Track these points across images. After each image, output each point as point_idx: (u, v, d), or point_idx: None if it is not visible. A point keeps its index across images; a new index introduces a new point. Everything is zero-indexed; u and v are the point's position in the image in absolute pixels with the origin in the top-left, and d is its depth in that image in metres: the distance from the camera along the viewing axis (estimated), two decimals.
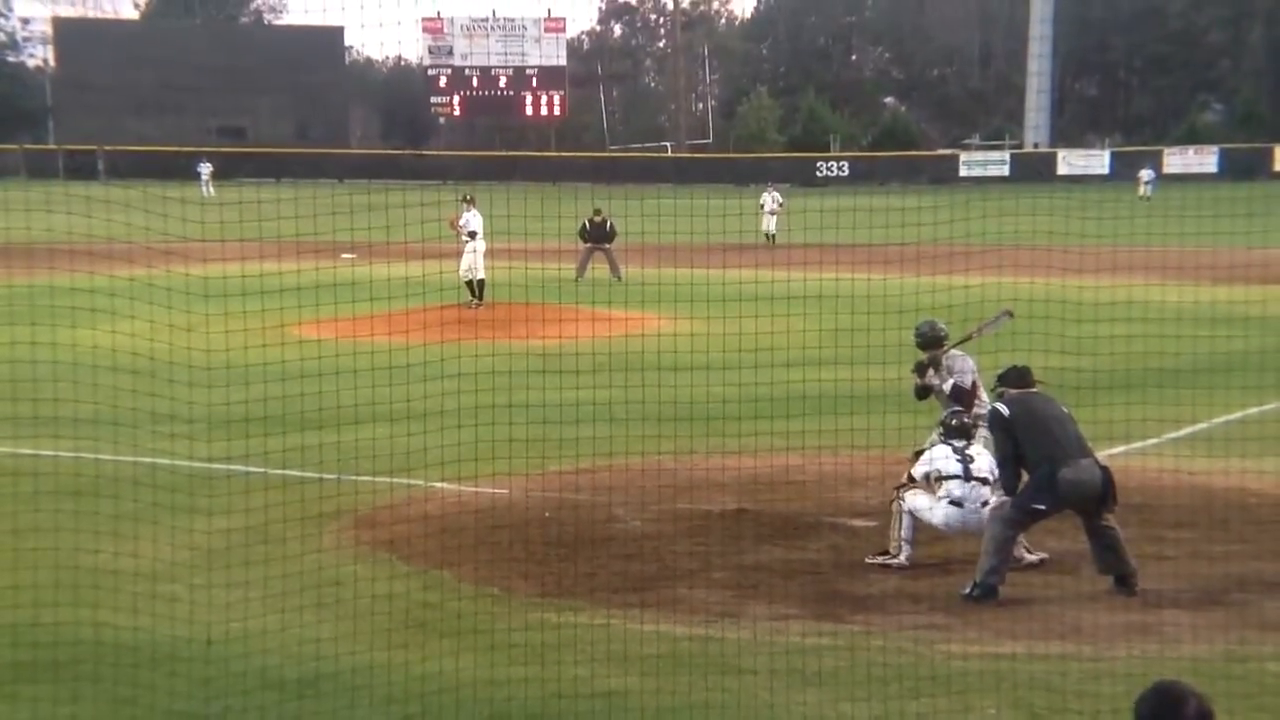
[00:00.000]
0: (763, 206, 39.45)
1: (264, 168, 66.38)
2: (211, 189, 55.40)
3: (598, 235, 30.16)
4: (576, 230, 30.15)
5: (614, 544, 9.79)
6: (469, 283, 24.42)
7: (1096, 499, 8.48)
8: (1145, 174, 55.53)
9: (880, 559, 9.36)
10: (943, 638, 7.90)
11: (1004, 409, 8.83)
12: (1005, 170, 69.84)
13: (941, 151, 75.41)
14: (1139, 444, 11.88)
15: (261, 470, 11.22)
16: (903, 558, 9.29)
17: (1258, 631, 7.97)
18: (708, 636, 7.89)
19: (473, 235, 24.34)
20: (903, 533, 9.33)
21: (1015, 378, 9.14)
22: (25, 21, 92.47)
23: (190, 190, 46.36)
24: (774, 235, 38.09)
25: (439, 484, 10.94)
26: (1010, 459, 8.69)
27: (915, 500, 9.35)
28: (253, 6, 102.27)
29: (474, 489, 11.01)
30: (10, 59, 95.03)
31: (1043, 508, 8.55)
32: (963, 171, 70.22)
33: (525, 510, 10.54)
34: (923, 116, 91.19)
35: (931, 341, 10.31)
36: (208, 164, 60.73)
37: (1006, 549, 8.60)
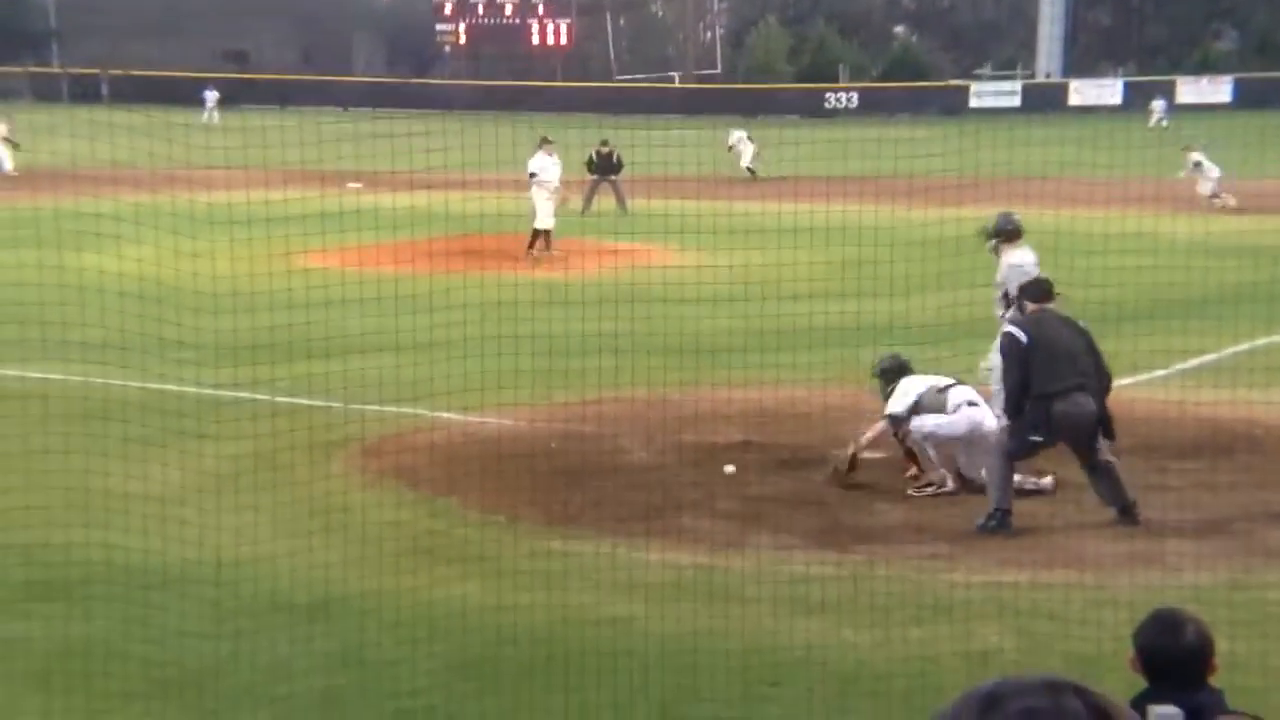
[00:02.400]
0: (731, 148, 37.87)
1: (267, 94, 65.81)
2: (216, 116, 54.94)
3: (604, 167, 29.88)
4: (583, 162, 29.89)
5: (619, 475, 9.86)
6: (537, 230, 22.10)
7: (1090, 434, 8.47)
8: (1157, 104, 54.82)
9: (927, 490, 9.36)
10: (946, 567, 7.98)
11: (1021, 336, 8.65)
12: (1016, 101, 69.03)
13: (951, 82, 74.47)
14: (1146, 375, 11.88)
15: (269, 397, 11.26)
16: (949, 483, 9.31)
17: (1262, 560, 8.05)
18: (712, 565, 7.97)
19: (531, 176, 22.25)
20: (933, 458, 9.33)
21: (1036, 291, 8.96)
22: None
23: (195, 116, 46.03)
24: (754, 170, 36.68)
25: (445, 414, 10.98)
26: (1018, 385, 8.61)
27: (924, 424, 9.34)
28: None
29: (480, 419, 11.05)
30: None
31: (1039, 439, 8.57)
32: (973, 102, 69.40)
33: (531, 441, 10.59)
34: (933, 46, 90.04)
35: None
36: (214, 91, 60.19)
37: (1007, 477, 8.64)
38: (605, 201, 29.66)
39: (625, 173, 29.45)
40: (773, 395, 11.91)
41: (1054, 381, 8.44)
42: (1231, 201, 25.35)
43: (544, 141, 22.51)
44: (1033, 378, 8.50)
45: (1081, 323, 8.86)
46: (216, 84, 62.40)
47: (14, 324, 11.51)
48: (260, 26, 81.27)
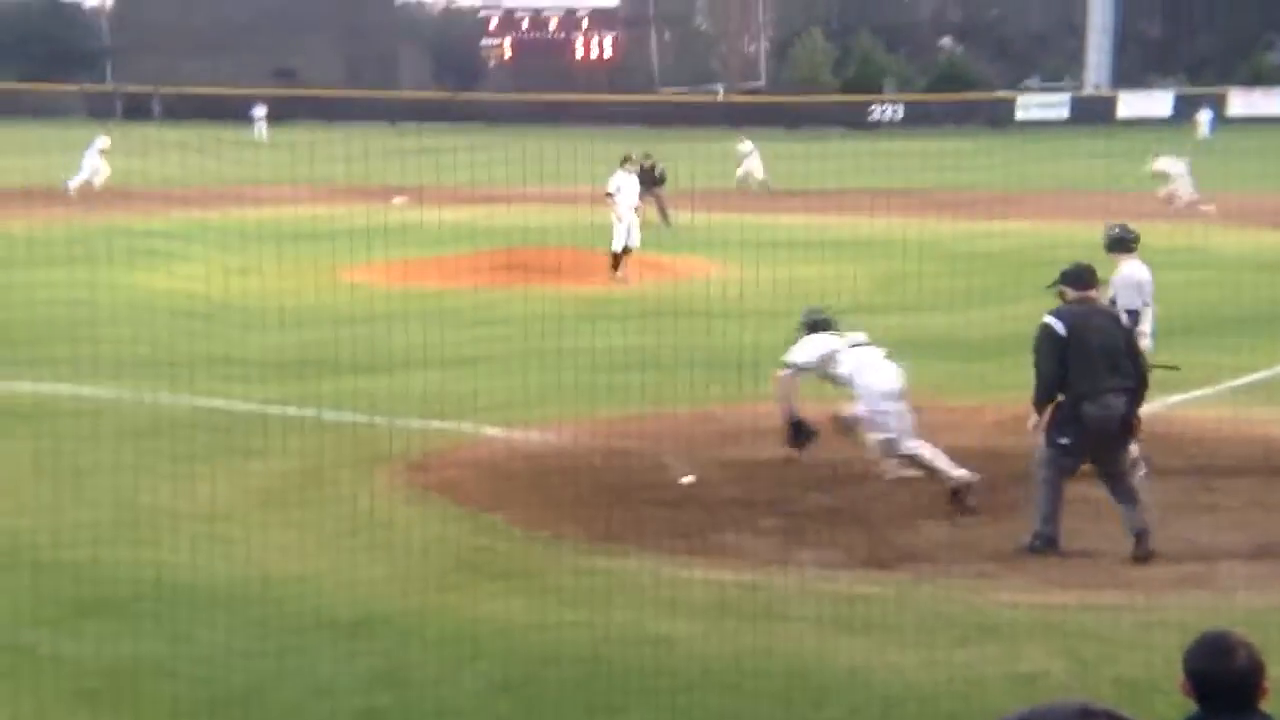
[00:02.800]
0: (741, 164, 35.60)
1: (316, 110, 66.48)
2: (265, 132, 55.53)
3: (647, 180, 29.91)
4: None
5: (662, 490, 9.83)
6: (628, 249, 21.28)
7: (1117, 439, 8.19)
8: (1203, 115, 54.19)
9: (956, 499, 9.22)
10: (991, 586, 7.89)
11: (1060, 328, 8.19)
12: (1064, 113, 68.49)
13: (997, 94, 73.98)
14: (1197, 392, 11.70)
15: (316, 413, 11.35)
16: (960, 474, 9.20)
17: None
18: (755, 584, 7.93)
19: (608, 196, 21.51)
20: (930, 460, 9.31)
21: (1076, 277, 8.43)
22: None
23: (244, 132, 46.59)
24: (764, 180, 34.56)
25: (490, 429, 11.02)
26: (1052, 379, 8.18)
27: (876, 439, 9.31)
28: None
29: (524, 435, 11.08)
30: (67, 0, 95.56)
31: (1066, 442, 8.17)
32: (1019, 115, 68.91)
33: (575, 456, 10.60)
34: (980, 58, 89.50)
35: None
36: (263, 106, 60.83)
37: (1053, 493, 8.34)
38: (649, 214, 29.68)
39: (668, 186, 29.46)
40: (816, 410, 11.85)
41: (1088, 380, 8.09)
42: (1211, 208, 25.18)
43: (625, 160, 22.08)
44: (1068, 374, 8.13)
45: (1123, 318, 8.57)
46: (266, 100, 63.09)
47: (67, 341, 11.70)
48: (308, 43, 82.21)
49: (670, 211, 29.04)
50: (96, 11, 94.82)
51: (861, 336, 10.11)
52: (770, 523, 9.13)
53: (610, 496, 9.61)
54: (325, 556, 8.10)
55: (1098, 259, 9.44)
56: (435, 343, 11.78)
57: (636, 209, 21.60)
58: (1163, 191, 27.50)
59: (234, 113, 60.09)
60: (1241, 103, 64.22)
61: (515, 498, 9.42)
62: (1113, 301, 10.10)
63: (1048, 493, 8.36)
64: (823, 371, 9.95)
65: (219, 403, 11.56)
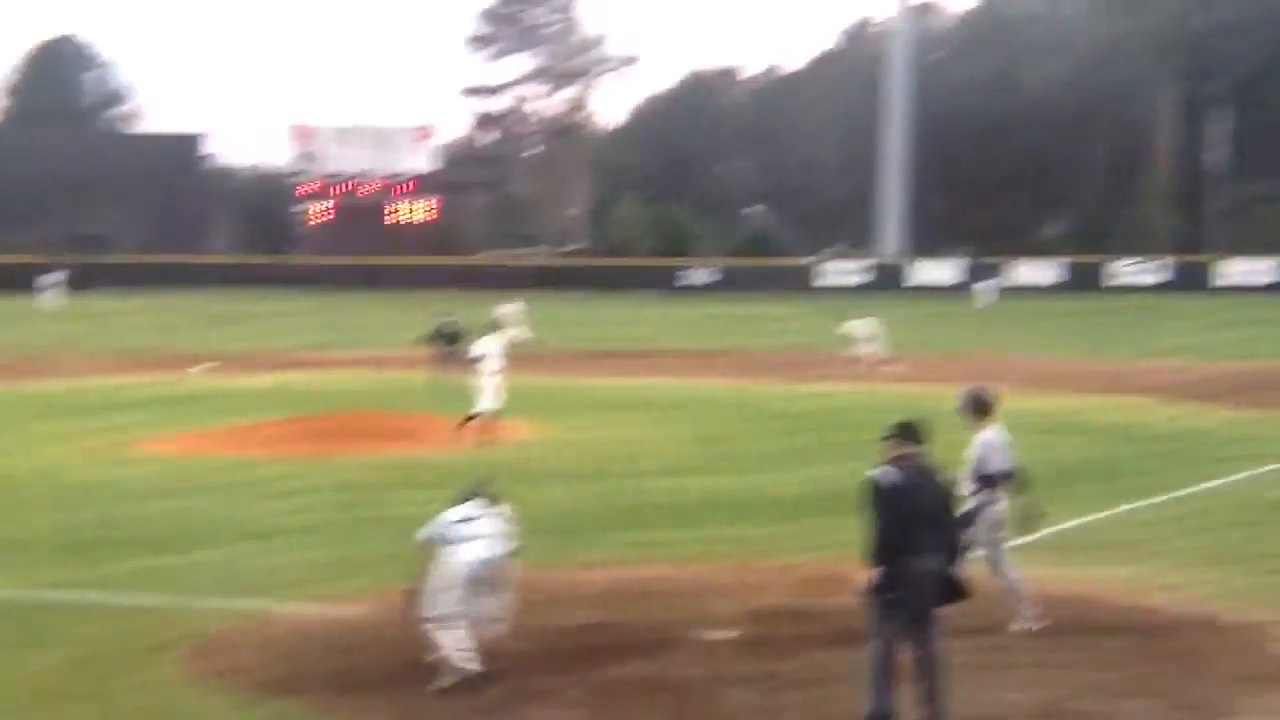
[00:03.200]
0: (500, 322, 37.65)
1: (120, 277, 64.81)
2: (54, 299, 53.44)
3: (448, 340, 30.41)
4: (424, 337, 30.30)
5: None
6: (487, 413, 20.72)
7: (935, 602, 8.15)
8: (985, 285, 57.75)
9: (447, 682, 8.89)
10: None
11: (890, 481, 8.11)
12: (861, 279, 72.01)
13: (800, 260, 77.38)
14: (979, 552, 12.07)
15: (103, 597, 10.75)
16: (465, 666, 8.91)
17: None
18: None
19: (473, 361, 21.10)
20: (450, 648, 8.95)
21: (909, 431, 8.33)
22: None
23: (34, 302, 44.88)
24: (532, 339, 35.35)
25: (290, 605, 10.61)
26: (887, 534, 8.02)
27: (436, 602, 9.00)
28: (108, 114, 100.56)
29: (327, 610, 10.69)
30: None
31: (893, 597, 8.02)
32: (820, 280, 72.12)
33: (380, 631, 10.25)
34: (786, 225, 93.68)
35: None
36: (57, 273, 58.79)
37: (882, 661, 8.13)
38: (453, 376, 29.74)
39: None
40: (628, 575, 11.83)
41: (912, 537, 8.05)
42: (899, 367, 27.42)
43: (495, 325, 22.31)
44: (899, 530, 8.03)
45: (943, 476, 8.48)
46: (67, 268, 61.15)
47: None
48: (115, 211, 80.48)
49: (453, 374, 29.33)
50: None
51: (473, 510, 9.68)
52: (578, 693, 8.97)
53: (412, 674, 9.31)
54: None
55: (889, 419, 9.72)
56: (235, 516, 11.40)
57: (501, 372, 21.41)
58: (850, 353, 29.86)
59: (30, 282, 58.09)
60: (1022, 273, 68.58)
61: (312, 681, 9.02)
62: (978, 467, 10.22)
63: (875, 665, 8.15)
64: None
65: None
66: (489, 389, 20.89)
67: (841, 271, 74.00)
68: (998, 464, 10.37)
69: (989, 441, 10.39)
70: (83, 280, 60.05)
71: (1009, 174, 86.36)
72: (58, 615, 10.19)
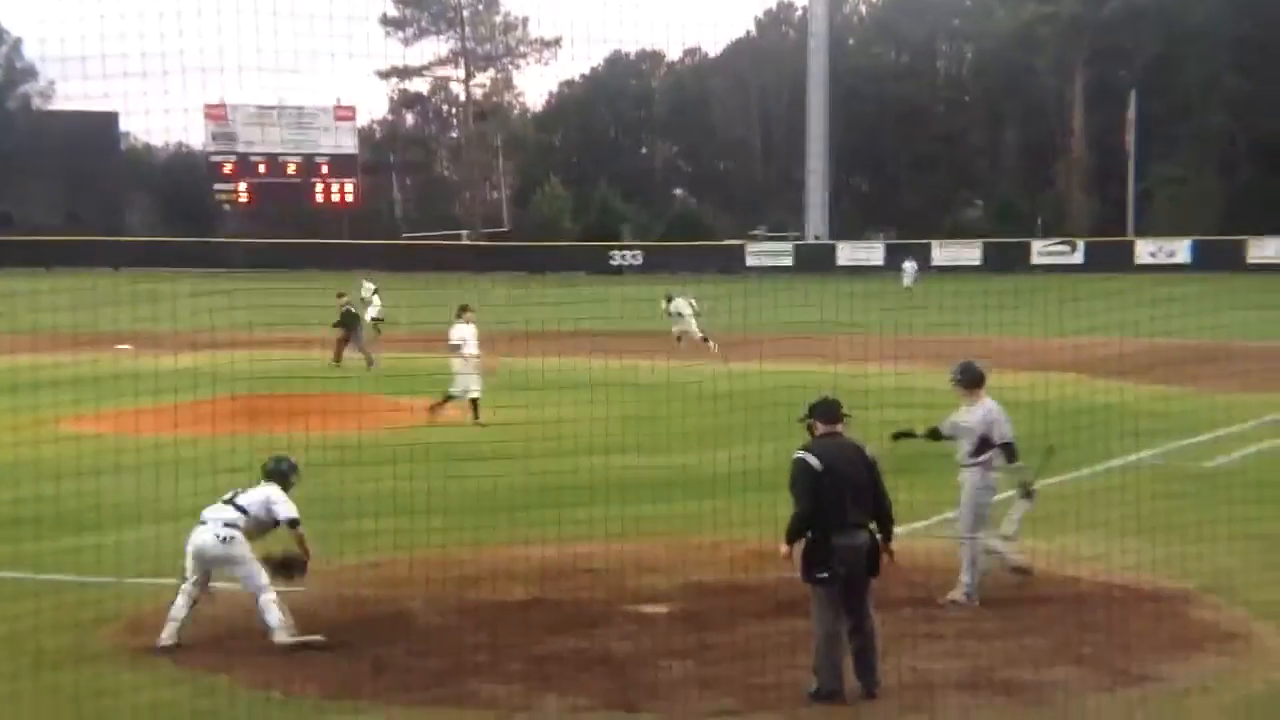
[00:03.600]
0: (364, 298, 37.24)
1: (32, 255, 63.26)
2: None
3: (347, 320, 30.97)
4: (334, 321, 30.39)
5: (404, 639, 9.55)
6: (459, 398, 20.92)
7: (865, 573, 8.33)
8: (908, 265, 58.48)
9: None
10: None
11: (815, 462, 8.31)
12: (790, 260, 72.51)
13: (729, 242, 77.68)
14: (909, 525, 12.25)
15: (30, 575, 10.55)
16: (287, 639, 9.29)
17: (1022, 709, 8.30)
18: None
19: (454, 349, 21.19)
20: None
21: (825, 411, 8.59)
22: None
23: None
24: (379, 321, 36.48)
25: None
26: (809, 514, 8.24)
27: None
28: (20, 91, 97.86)
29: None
30: None
31: (824, 575, 8.23)
32: (750, 261, 72.49)
33: (309, 606, 10.17)
34: (711, 208, 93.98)
35: None
36: None
37: (828, 641, 8.29)
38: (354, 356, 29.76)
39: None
40: (560, 551, 11.85)
41: (836, 513, 8.20)
42: (714, 345, 29.38)
43: (463, 310, 21.60)
44: (819, 508, 8.21)
45: (868, 451, 8.60)
46: None
47: None
48: (25, 189, 78.42)
49: (347, 355, 29.50)
50: None
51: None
52: (515, 667, 8.99)
53: (347, 648, 9.26)
54: None
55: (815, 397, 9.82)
56: (160, 495, 11.19)
57: (478, 358, 21.30)
58: (676, 330, 31.94)
59: None
60: (944, 254, 69.58)
61: (244, 656, 8.94)
62: (983, 439, 10.51)
63: (823, 638, 8.29)
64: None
65: None
66: (468, 373, 20.81)
67: (771, 253, 74.50)
68: (1008, 433, 10.69)
69: (994, 411, 10.73)
70: None
71: (928, 157, 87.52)
72: None
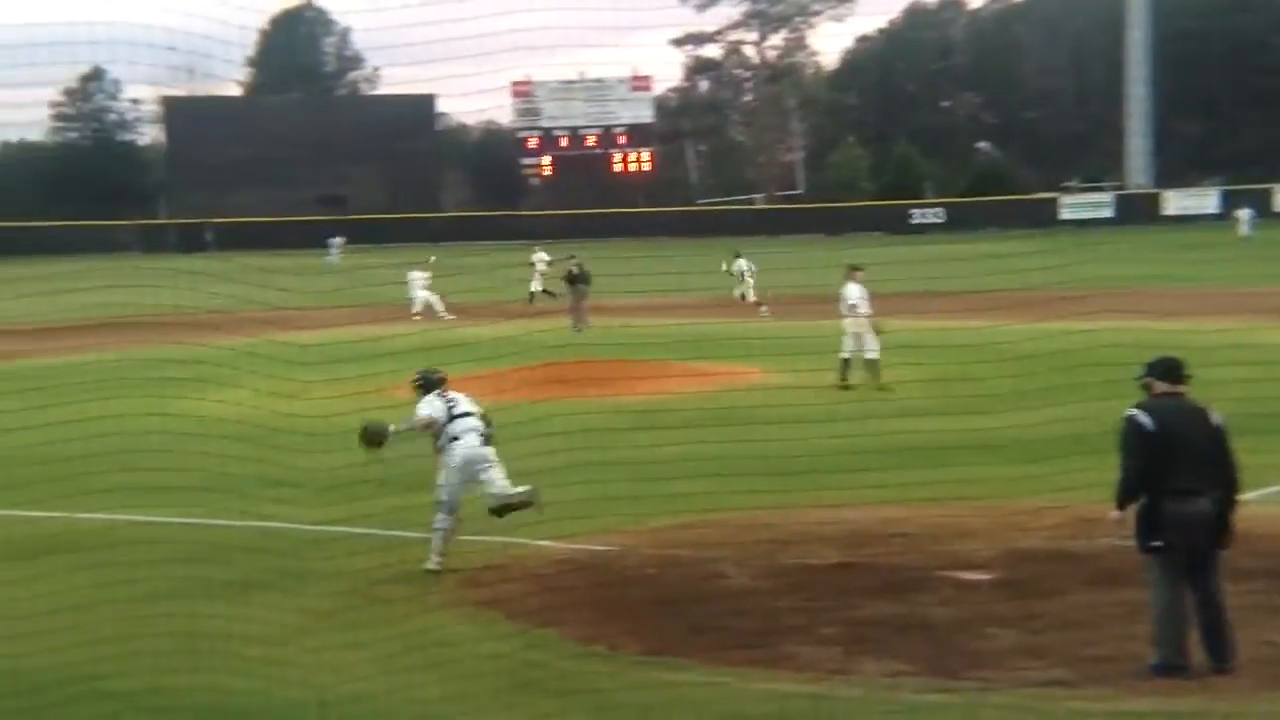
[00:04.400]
0: (533, 265, 36.89)
1: (362, 235, 67.84)
2: (337, 258, 56.77)
3: (579, 280, 31.86)
4: (562, 277, 31.81)
5: (718, 600, 9.68)
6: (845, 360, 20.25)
7: (1207, 542, 7.79)
8: (1244, 214, 54.11)
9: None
10: (1066, 694, 7.64)
11: (1147, 421, 7.80)
12: (1109, 212, 68.68)
13: (1040, 195, 74.27)
14: (1261, 491, 11.39)
15: (368, 532, 11.34)
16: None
17: None
18: (817, 694, 7.74)
19: (851, 309, 20.56)
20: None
21: (1165, 370, 8.04)
22: (135, 102, 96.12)
23: (298, 260, 47.54)
24: (535, 293, 35.87)
25: (542, 542, 10.94)
26: (1137, 477, 7.78)
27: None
28: (348, 78, 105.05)
29: (575, 546, 10.99)
30: (122, 138, 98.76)
31: (1158, 544, 7.77)
32: (1064, 215, 69.18)
33: (627, 567, 10.48)
34: (1019, 160, 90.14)
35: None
36: (339, 237, 62.37)
37: (1168, 613, 7.83)
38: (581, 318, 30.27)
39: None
40: (871, 515, 11.70)
41: (1171, 479, 7.70)
42: (766, 310, 30.30)
43: (854, 270, 20.99)
44: (1152, 471, 7.73)
45: (1214, 416, 7.98)
46: (312, 227, 64.59)
47: (124, 470, 11.79)
48: (354, 172, 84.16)
49: (586, 317, 29.89)
50: (149, 148, 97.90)
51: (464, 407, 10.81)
52: (831, 631, 8.94)
53: (665, 607, 9.48)
54: (381, 677, 8.01)
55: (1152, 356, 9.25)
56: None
57: (869, 318, 20.48)
58: (737, 291, 33.27)
59: (283, 240, 61.51)
60: None
61: (569, 611, 9.30)
62: None
63: (1161, 611, 7.86)
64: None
65: (273, 525, 11.58)
66: (862, 333, 20.26)
67: (1089, 205, 70.74)
68: None
69: None
70: (326, 238, 63.17)
71: (1266, 93, 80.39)
72: (329, 549, 10.80)
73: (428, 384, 11.04)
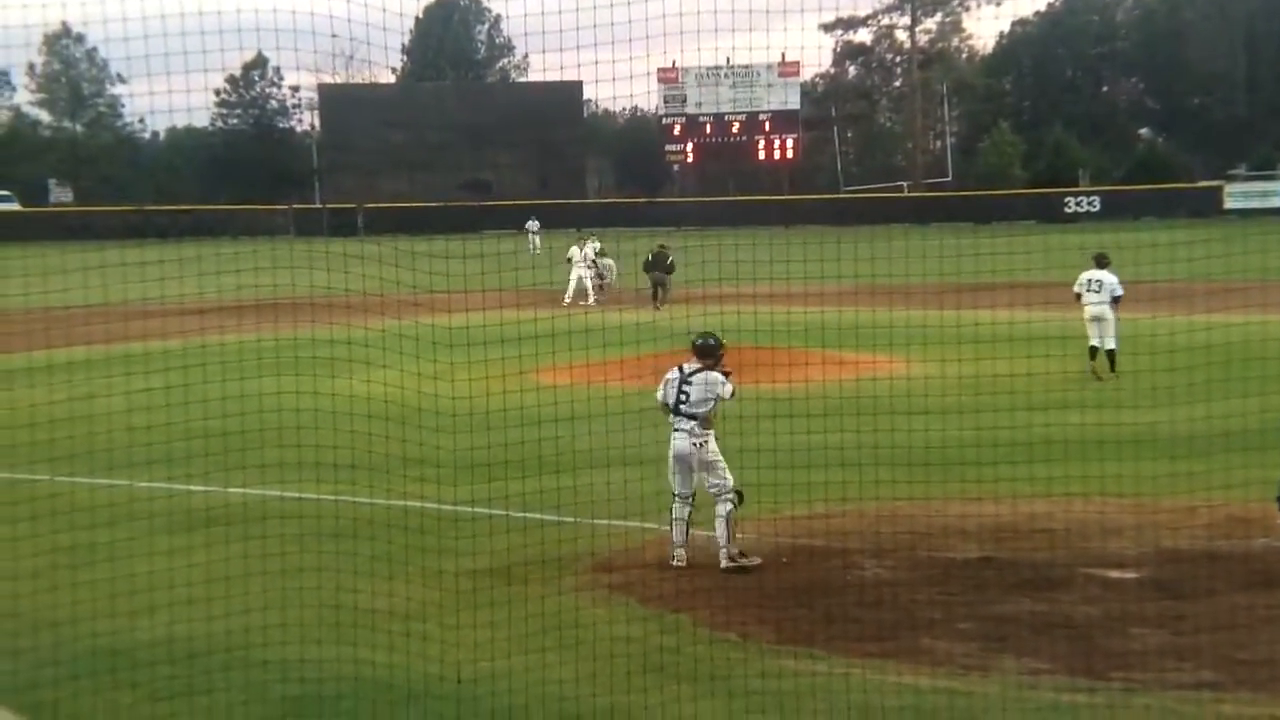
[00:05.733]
0: (569, 260, 34.79)
1: (507, 220, 68.82)
2: (539, 243, 56.87)
3: (660, 266, 32.03)
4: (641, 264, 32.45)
5: (853, 591, 9.59)
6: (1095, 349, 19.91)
7: None
8: None
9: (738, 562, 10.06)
10: (1214, 697, 7.37)
11: None
12: (1279, 201, 65.57)
13: (1202, 183, 71.33)
14: None
15: (505, 513, 11.54)
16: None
17: None
18: (953, 690, 7.61)
19: (1092, 292, 20.07)
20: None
21: None
22: (294, 89, 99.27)
23: (435, 244, 48.37)
24: (588, 291, 33.88)
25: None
26: None
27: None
28: (499, 66, 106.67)
29: (709, 534, 10.99)
30: (281, 124, 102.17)
31: None
32: (1228, 204, 66.29)
33: (761, 555, 10.45)
34: (1182, 147, 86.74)
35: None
36: (535, 221, 63.14)
37: None
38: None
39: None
40: (1013, 509, 11.43)
41: None
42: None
43: (1102, 259, 20.43)
44: None
45: None
46: (457, 212, 65.67)
47: (275, 447, 12.22)
48: (501, 158, 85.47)
49: (664, 303, 29.98)
50: (306, 135, 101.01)
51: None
52: (968, 626, 8.78)
53: (798, 596, 9.43)
54: (516, 656, 8.15)
55: None
56: (621, 443, 11.87)
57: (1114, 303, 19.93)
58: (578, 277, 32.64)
59: (430, 225, 62.73)
60: None
61: (701, 597, 9.32)
62: None
63: None
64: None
65: (415, 504, 11.86)
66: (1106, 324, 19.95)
67: (1258, 193, 67.62)
68: None
69: None
70: (473, 223, 64.30)
71: None
72: (468, 528, 11.02)
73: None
